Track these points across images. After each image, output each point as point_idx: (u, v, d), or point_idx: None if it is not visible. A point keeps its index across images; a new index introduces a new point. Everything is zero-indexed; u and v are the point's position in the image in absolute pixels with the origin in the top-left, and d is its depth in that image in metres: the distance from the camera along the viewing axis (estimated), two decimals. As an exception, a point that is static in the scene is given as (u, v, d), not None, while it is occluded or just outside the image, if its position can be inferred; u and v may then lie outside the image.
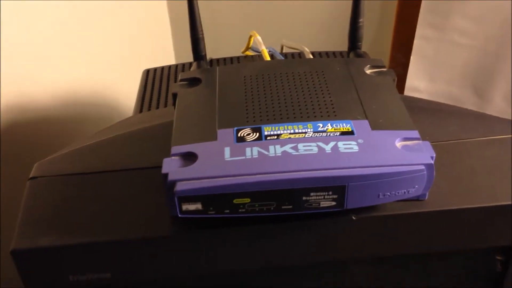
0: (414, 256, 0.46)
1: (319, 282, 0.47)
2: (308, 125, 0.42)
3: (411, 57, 0.87)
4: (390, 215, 0.42)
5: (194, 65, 0.54)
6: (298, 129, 0.42)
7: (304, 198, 0.39)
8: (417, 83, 0.87)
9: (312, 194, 0.39)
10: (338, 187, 0.38)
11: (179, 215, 0.40)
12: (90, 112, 0.92)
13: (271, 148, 0.40)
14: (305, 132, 0.42)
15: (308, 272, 0.47)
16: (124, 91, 0.97)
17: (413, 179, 0.39)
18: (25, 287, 0.43)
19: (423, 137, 0.41)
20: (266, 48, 0.59)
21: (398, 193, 0.40)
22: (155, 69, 0.76)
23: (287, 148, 0.40)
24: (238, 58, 0.75)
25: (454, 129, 0.49)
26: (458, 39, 0.80)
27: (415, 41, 0.85)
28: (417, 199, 0.42)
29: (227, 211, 0.39)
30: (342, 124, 0.42)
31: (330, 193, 0.39)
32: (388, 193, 0.39)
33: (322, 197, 0.39)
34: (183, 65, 0.76)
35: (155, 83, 0.73)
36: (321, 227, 0.42)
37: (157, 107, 0.68)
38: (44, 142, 0.81)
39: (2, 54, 0.72)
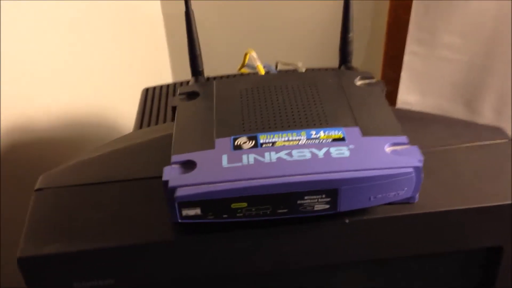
0: (406, 258, 0.48)
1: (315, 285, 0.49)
2: (302, 132, 0.44)
3: (402, 73, 0.90)
4: (381, 218, 0.44)
5: (192, 80, 0.56)
6: (292, 136, 0.44)
7: (298, 201, 0.41)
8: (409, 98, 0.90)
9: (306, 197, 0.41)
10: (330, 190, 0.40)
11: (179, 221, 0.41)
12: (90, 132, 0.94)
13: (267, 154, 0.42)
14: (299, 139, 0.43)
15: (303, 276, 0.48)
16: (123, 111, 0.99)
17: (402, 181, 0.41)
18: (31, 294, 0.44)
19: (412, 144, 0.43)
20: (261, 64, 0.61)
21: (388, 195, 0.42)
22: (154, 88, 0.79)
23: (282, 154, 0.42)
24: (234, 76, 0.77)
25: (442, 136, 0.51)
26: (446, 54, 0.83)
27: (405, 57, 0.88)
28: (407, 202, 0.44)
29: (225, 215, 0.41)
30: (334, 131, 0.44)
31: (324, 196, 0.41)
32: (379, 196, 0.41)
33: (316, 200, 0.41)
34: (181, 83, 0.78)
35: (154, 100, 0.75)
36: (316, 230, 0.44)
37: (156, 123, 0.70)
38: (44, 162, 0.83)
39: (3, 76, 0.74)
